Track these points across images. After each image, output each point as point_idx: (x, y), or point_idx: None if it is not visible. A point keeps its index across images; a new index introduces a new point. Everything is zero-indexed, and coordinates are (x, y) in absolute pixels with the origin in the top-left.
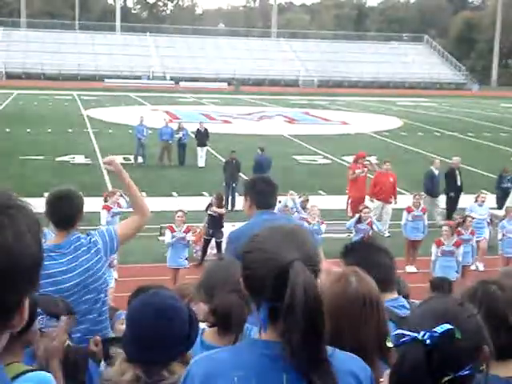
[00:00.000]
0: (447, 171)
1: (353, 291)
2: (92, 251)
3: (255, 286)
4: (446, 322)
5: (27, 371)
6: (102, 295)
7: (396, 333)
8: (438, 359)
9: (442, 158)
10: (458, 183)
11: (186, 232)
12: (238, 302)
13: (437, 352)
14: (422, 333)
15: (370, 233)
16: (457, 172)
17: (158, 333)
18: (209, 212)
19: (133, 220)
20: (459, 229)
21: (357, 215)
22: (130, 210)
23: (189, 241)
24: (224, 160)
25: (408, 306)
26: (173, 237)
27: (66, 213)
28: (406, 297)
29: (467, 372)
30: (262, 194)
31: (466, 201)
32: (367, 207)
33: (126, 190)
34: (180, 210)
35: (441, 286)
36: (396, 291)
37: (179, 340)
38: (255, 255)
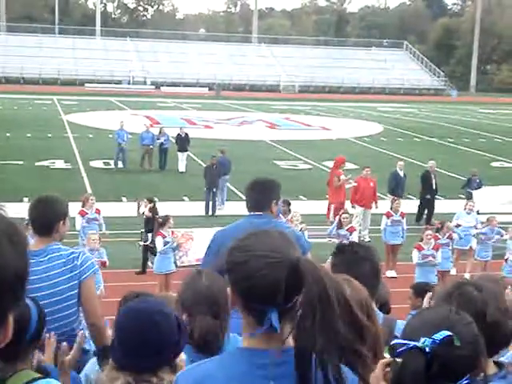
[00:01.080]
0: (423, 174)
1: (347, 296)
2: (67, 266)
3: (263, 293)
4: (445, 330)
5: (37, 378)
6: (75, 317)
7: (394, 342)
8: (438, 368)
9: (420, 163)
10: (434, 186)
11: (173, 236)
12: (214, 325)
13: (437, 360)
14: (422, 340)
15: (351, 239)
16: (432, 175)
17: (146, 339)
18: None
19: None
20: (436, 234)
21: (337, 219)
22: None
23: (177, 245)
24: (204, 165)
25: (380, 319)
26: (165, 243)
27: (43, 219)
28: (384, 304)
29: (466, 382)
30: (250, 196)
31: (445, 206)
32: (347, 212)
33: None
34: (169, 215)
35: (425, 291)
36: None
37: (168, 346)
38: (256, 263)
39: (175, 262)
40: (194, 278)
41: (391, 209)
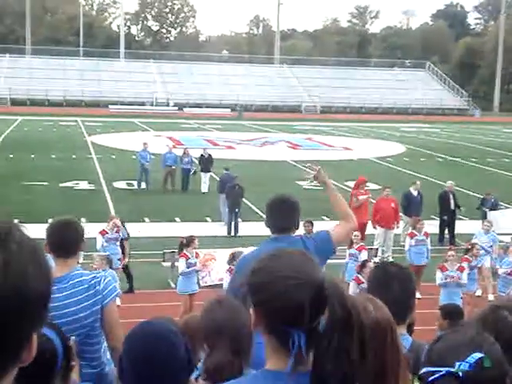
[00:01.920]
0: (440, 194)
1: (373, 320)
2: (90, 292)
3: (288, 315)
4: (475, 352)
5: None
6: (95, 339)
7: (424, 371)
8: None
9: (443, 183)
10: (452, 207)
11: (197, 257)
12: (232, 362)
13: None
14: (456, 364)
15: (360, 258)
16: (450, 195)
17: (162, 360)
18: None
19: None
20: (466, 256)
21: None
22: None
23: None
24: (227, 186)
25: (406, 344)
26: (188, 265)
27: (64, 243)
28: (410, 325)
29: None
30: (273, 216)
31: (468, 226)
32: (357, 231)
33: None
34: (195, 237)
35: (455, 313)
36: (402, 326)
37: (183, 365)
38: (280, 284)
39: (198, 283)
40: (214, 307)
41: (414, 229)
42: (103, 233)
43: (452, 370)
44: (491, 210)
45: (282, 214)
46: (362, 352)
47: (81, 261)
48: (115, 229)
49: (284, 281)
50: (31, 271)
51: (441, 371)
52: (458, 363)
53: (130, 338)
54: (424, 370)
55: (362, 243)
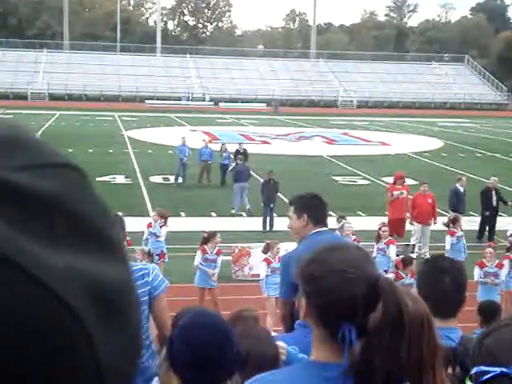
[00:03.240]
0: (482, 190)
1: (411, 312)
2: (138, 282)
3: (340, 308)
4: None
5: None
6: (143, 331)
7: (477, 370)
8: None
9: (482, 179)
10: (494, 203)
11: (218, 254)
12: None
13: None
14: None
15: (388, 252)
16: (493, 192)
17: (217, 349)
18: None
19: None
20: (508, 253)
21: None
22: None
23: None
24: (262, 180)
25: (456, 338)
26: (205, 259)
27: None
28: None
29: None
30: (318, 211)
31: (509, 223)
32: (386, 225)
33: None
34: (217, 233)
35: (493, 310)
36: (452, 320)
37: (234, 357)
38: (334, 278)
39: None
40: (233, 321)
41: (454, 226)
42: (149, 226)
43: (506, 370)
44: None
45: (323, 208)
46: (409, 349)
47: None
48: (158, 224)
49: (339, 274)
50: None
51: (495, 371)
52: None
53: (186, 326)
54: (476, 369)
55: (390, 237)
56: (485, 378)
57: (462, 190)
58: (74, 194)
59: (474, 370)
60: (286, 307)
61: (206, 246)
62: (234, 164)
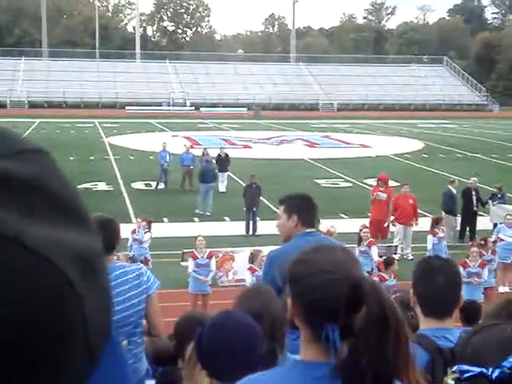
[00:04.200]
0: (463, 190)
1: (396, 312)
2: (134, 283)
3: (324, 308)
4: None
5: None
6: (139, 329)
7: (456, 369)
8: None
9: (464, 180)
10: (474, 203)
11: (209, 257)
12: (267, 348)
13: None
14: (490, 369)
15: (371, 254)
16: (473, 192)
17: (247, 348)
18: None
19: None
20: (480, 250)
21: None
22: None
23: (210, 266)
24: (244, 185)
25: (453, 338)
26: (196, 265)
27: (104, 239)
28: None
29: None
30: (308, 212)
31: (490, 222)
32: (366, 227)
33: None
34: (199, 235)
35: (474, 310)
36: (448, 320)
37: (262, 353)
38: (321, 278)
39: (211, 284)
40: (251, 294)
41: (436, 226)
42: (132, 232)
43: (486, 372)
44: (499, 203)
45: (312, 210)
46: (395, 350)
47: None
48: (142, 230)
49: (323, 274)
50: None
51: (474, 371)
52: (491, 369)
53: (217, 324)
54: (457, 367)
55: (371, 239)
56: (464, 376)
57: (455, 192)
58: (51, 175)
59: (454, 368)
60: None
61: (195, 251)
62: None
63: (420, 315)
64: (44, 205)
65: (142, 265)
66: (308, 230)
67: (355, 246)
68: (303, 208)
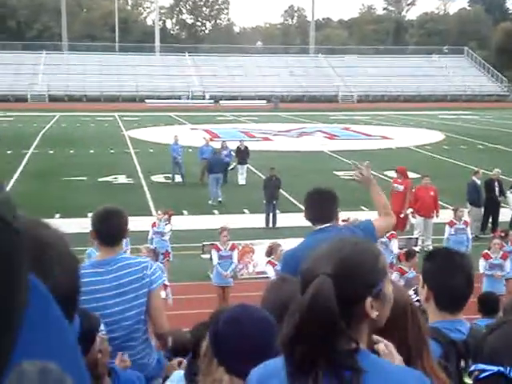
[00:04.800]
0: (486, 182)
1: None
2: (137, 276)
3: None
4: None
5: None
6: (141, 325)
7: (473, 368)
8: None
9: (485, 171)
10: (497, 194)
11: (232, 249)
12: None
13: None
14: (508, 368)
15: (390, 246)
16: (496, 183)
17: (264, 343)
18: None
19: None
20: (501, 242)
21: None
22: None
23: (233, 258)
24: (264, 177)
25: (465, 330)
26: (220, 257)
27: (111, 230)
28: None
29: None
30: (313, 208)
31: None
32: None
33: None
34: (225, 229)
35: (492, 301)
36: (460, 313)
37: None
38: (303, 272)
39: (233, 276)
40: (279, 284)
41: (455, 217)
42: (153, 225)
43: (503, 370)
44: None
45: (323, 205)
46: (395, 338)
47: (128, 252)
48: (163, 223)
49: (302, 268)
50: (56, 270)
51: (492, 370)
52: (509, 368)
53: (233, 318)
54: (474, 366)
55: (392, 231)
56: (482, 376)
57: (479, 182)
58: None
59: (472, 367)
60: None
61: (218, 244)
62: (234, 163)
63: (432, 309)
64: None
65: (148, 259)
66: (319, 227)
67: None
68: (308, 205)
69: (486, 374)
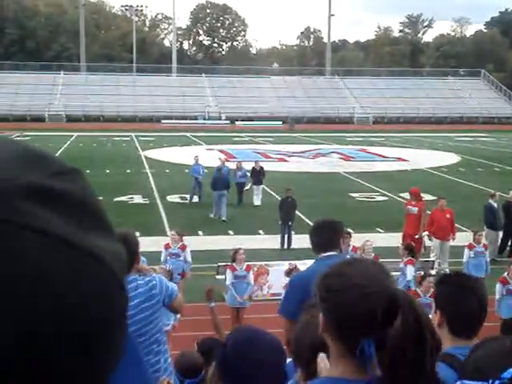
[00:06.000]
0: (504, 205)
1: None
2: (147, 296)
3: (359, 322)
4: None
5: None
6: (155, 338)
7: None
8: None
9: (502, 194)
10: None
11: (247, 270)
12: None
13: None
14: (490, 382)
15: (405, 272)
16: None
17: (273, 368)
18: None
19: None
20: None
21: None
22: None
23: (248, 279)
24: (280, 198)
25: None
26: (235, 277)
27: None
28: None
29: None
30: (319, 236)
31: None
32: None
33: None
34: (240, 248)
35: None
36: (475, 339)
37: (286, 373)
38: (353, 292)
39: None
40: (310, 321)
41: (474, 240)
42: (167, 247)
43: None
44: None
45: (324, 233)
46: (432, 363)
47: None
48: (179, 244)
49: (357, 289)
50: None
51: None
52: (491, 381)
53: (242, 342)
54: (460, 383)
55: (410, 257)
56: None
57: (495, 205)
58: (88, 192)
59: (457, 383)
60: (292, 328)
61: (234, 264)
62: (250, 183)
63: (445, 334)
64: (87, 218)
65: (155, 275)
66: (326, 254)
67: (392, 260)
68: (314, 233)
69: None
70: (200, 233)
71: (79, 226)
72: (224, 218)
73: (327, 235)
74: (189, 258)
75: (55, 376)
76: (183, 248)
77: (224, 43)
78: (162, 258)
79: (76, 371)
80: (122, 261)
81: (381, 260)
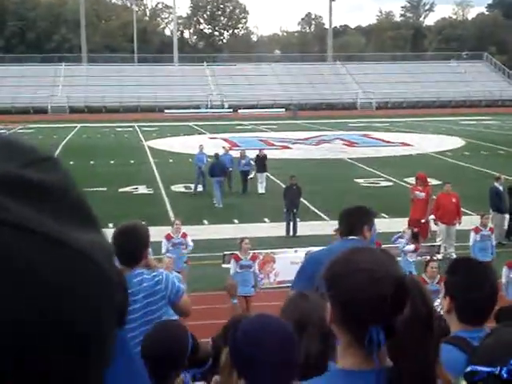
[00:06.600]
0: (510, 188)
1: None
2: (151, 291)
3: (367, 309)
4: None
5: None
6: None
7: (469, 370)
8: None
9: (507, 177)
10: None
11: (253, 260)
12: (318, 350)
13: None
14: (498, 368)
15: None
16: None
17: (288, 354)
18: None
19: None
20: None
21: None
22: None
23: (253, 268)
24: (284, 186)
25: None
26: (241, 266)
27: (130, 249)
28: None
29: None
30: (341, 222)
31: None
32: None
33: None
34: (245, 238)
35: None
36: (484, 325)
37: (299, 360)
38: (361, 277)
39: (254, 286)
40: (297, 301)
41: (480, 223)
42: (169, 237)
43: (494, 371)
44: None
45: (344, 219)
46: (436, 348)
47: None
48: (181, 233)
49: (363, 273)
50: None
51: (484, 371)
52: (499, 367)
53: (255, 328)
54: (469, 368)
55: (417, 244)
56: (475, 378)
57: (501, 188)
58: (68, 182)
59: (467, 369)
60: None
61: (238, 253)
62: (254, 172)
63: (454, 321)
64: (66, 209)
65: (162, 270)
66: (346, 238)
67: (395, 245)
68: (339, 220)
69: (479, 376)
70: (205, 222)
71: (56, 218)
72: (218, 204)
73: (348, 221)
74: (190, 243)
75: (55, 376)
76: (184, 236)
77: (225, 31)
78: (164, 249)
79: (70, 369)
80: (107, 252)
81: (383, 245)
